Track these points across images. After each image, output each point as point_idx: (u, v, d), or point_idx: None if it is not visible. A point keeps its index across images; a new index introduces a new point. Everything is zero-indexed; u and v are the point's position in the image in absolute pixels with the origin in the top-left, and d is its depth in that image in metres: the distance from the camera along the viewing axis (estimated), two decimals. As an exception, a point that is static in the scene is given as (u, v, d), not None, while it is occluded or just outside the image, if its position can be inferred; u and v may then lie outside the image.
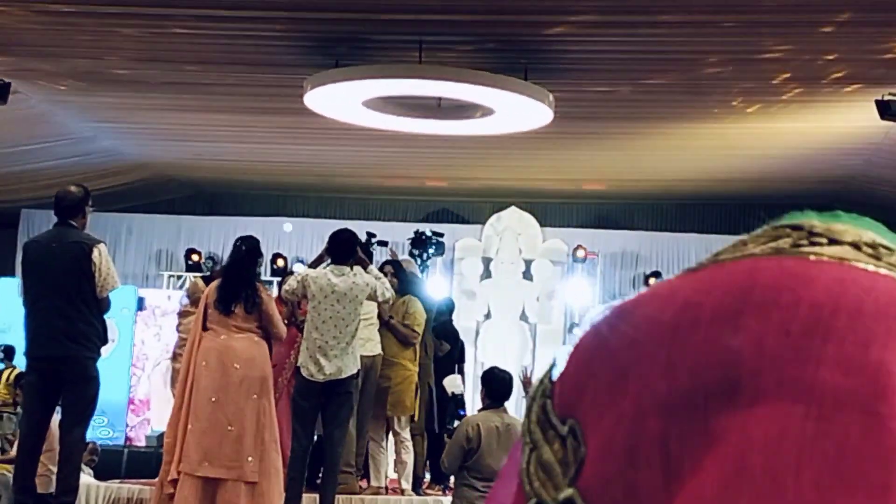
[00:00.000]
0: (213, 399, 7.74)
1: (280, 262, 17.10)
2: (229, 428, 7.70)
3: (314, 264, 9.19)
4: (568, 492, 0.71)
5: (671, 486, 0.68)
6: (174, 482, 7.75)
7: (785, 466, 0.64)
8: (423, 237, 11.33)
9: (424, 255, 11.11)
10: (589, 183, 17.30)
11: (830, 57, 10.36)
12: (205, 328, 8.01)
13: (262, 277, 15.92)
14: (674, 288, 0.73)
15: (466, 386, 11.86)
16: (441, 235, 12.98)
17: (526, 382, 8.82)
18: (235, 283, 8.03)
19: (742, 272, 0.72)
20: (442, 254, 17.38)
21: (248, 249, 8.29)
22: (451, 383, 10.55)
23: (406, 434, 10.05)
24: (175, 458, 7.80)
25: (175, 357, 9.42)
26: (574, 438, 0.74)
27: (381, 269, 10.03)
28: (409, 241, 11.31)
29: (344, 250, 8.95)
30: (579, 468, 0.73)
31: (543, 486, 0.74)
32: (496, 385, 8.36)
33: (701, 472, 0.66)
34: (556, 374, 0.84)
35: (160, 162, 16.90)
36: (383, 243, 11.28)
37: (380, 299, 9.09)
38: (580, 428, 0.74)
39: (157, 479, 8.31)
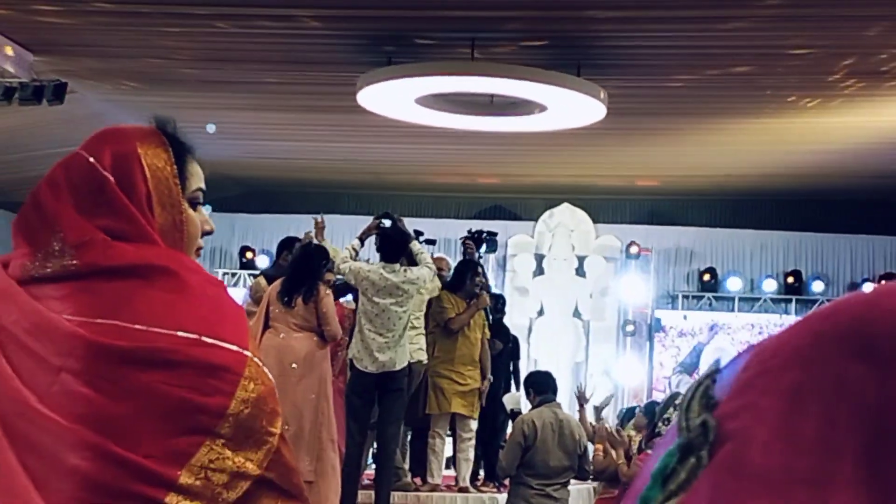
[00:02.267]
0: (270, 398, 7.77)
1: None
2: (286, 427, 7.71)
3: (362, 236, 9.34)
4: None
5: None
6: None
7: None
8: (478, 235, 11.27)
9: (476, 255, 11.06)
10: (642, 179, 17.23)
11: (885, 54, 10.26)
12: (266, 326, 8.07)
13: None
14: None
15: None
16: (495, 234, 12.92)
17: (580, 397, 8.80)
18: (299, 277, 8.13)
19: None
20: (495, 251, 17.37)
21: (316, 250, 8.46)
22: (511, 400, 10.52)
23: (472, 433, 10.05)
24: None
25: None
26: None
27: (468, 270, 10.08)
28: (463, 239, 11.25)
29: (395, 249, 9.04)
30: None
31: None
32: (542, 381, 8.34)
33: None
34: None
35: (214, 160, 17.00)
36: (431, 241, 11.27)
37: (428, 285, 9.16)
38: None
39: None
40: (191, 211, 2.12)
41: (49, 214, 1.99)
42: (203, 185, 2.21)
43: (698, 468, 0.79)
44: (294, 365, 7.85)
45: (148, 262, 1.96)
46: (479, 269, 10.30)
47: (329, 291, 8.34)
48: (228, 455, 1.91)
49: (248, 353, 1.97)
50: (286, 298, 8.02)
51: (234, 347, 1.95)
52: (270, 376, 2.03)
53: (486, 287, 10.38)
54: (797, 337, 0.80)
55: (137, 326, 1.90)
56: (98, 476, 1.81)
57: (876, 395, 0.72)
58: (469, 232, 11.31)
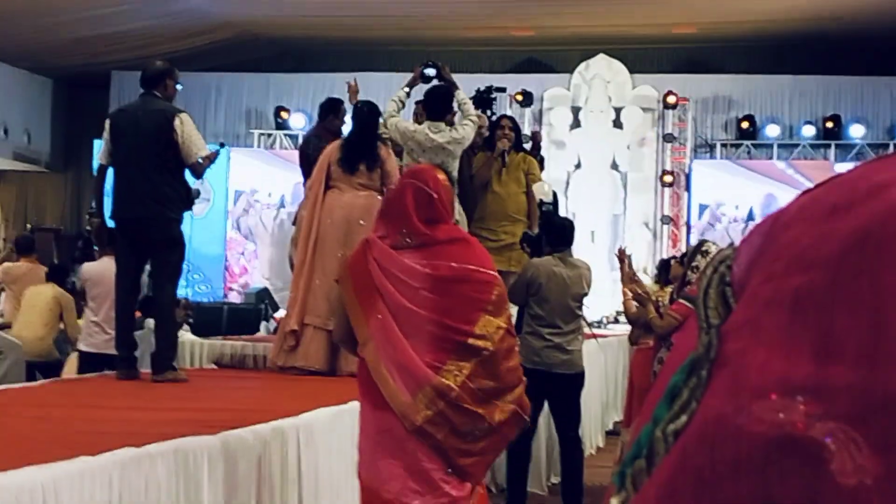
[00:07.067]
0: (340, 255, 7.79)
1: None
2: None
3: (408, 87, 9.21)
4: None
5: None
6: (294, 333, 7.90)
7: None
8: (486, 95, 10.98)
9: (489, 113, 10.76)
10: (679, 26, 16.99)
11: None
12: (328, 186, 8.13)
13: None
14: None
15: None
16: (503, 90, 12.47)
17: (621, 257, 8.74)
18: (360, 143, 8.16)
19: None
20: (530, 105, 17.25)
21: (370, 111, 8.45)
22: (539, 190, 9.87)
23: None
24: (297, 310, 7.95)
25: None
26: None
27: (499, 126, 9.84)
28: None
29: (440, 106, 8.94)
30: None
31: None
32: (555, 230, 8.28)
33: None
34: (732, 263, 0.93)
35: (248, 20, 16.90)
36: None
37: (468, 123, 8.93)
38: None
39: (276, 333, 8.58)
40: (458, 205, 4.40)
41: (403, 212, 4.30)
42: None
43: (699, 388, 0.80)
44: (362, 222, 7.87)
45: (452, 235, 4.36)
46: (507, 121, 10.05)
47: (390, 150, 8.37)
48: (492, 320, 4.21)
49: (496, 273, 4.34)
50: (347, 165, 8.07)
51: (492, 272, 4.31)
52: (503, 283, 4.52)
53: (516, 137, 10.07)
54: (800, 238, 0.80)
55: (453, 264, 4.21)
56: (441, 334, 4.15)
57: (871, 290, 0.73)
58: (477, 91, 11.04)
